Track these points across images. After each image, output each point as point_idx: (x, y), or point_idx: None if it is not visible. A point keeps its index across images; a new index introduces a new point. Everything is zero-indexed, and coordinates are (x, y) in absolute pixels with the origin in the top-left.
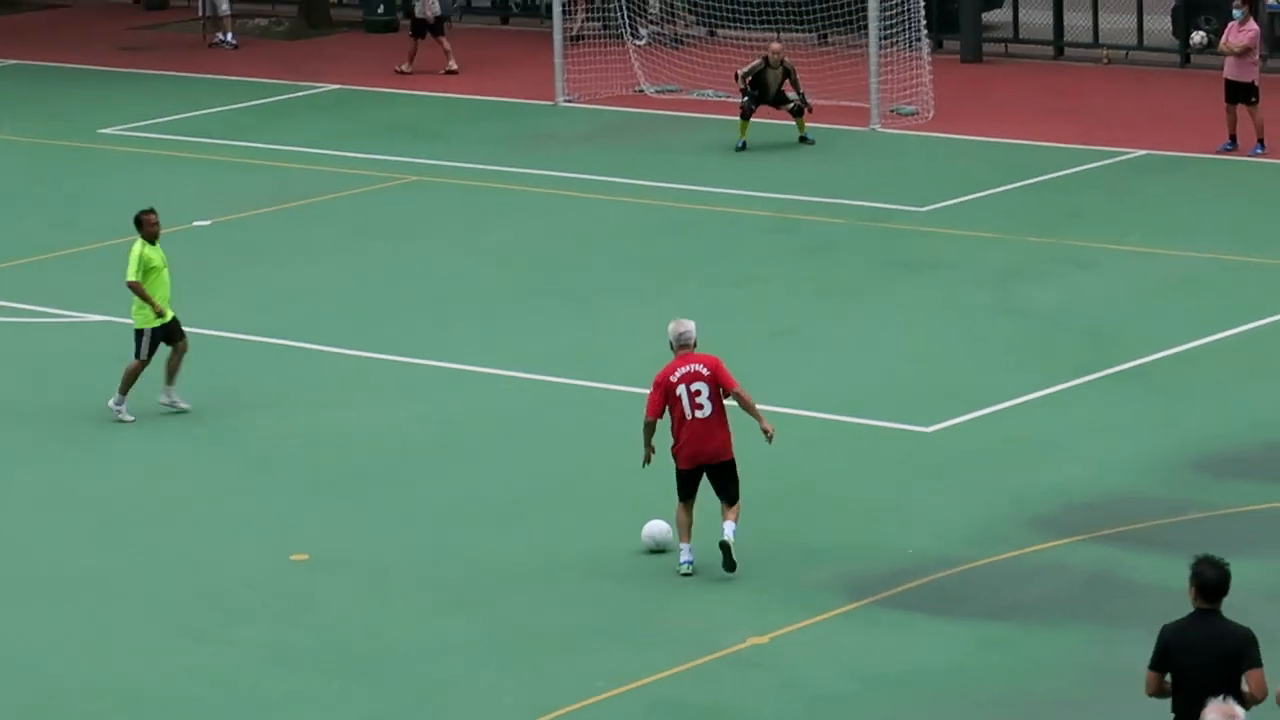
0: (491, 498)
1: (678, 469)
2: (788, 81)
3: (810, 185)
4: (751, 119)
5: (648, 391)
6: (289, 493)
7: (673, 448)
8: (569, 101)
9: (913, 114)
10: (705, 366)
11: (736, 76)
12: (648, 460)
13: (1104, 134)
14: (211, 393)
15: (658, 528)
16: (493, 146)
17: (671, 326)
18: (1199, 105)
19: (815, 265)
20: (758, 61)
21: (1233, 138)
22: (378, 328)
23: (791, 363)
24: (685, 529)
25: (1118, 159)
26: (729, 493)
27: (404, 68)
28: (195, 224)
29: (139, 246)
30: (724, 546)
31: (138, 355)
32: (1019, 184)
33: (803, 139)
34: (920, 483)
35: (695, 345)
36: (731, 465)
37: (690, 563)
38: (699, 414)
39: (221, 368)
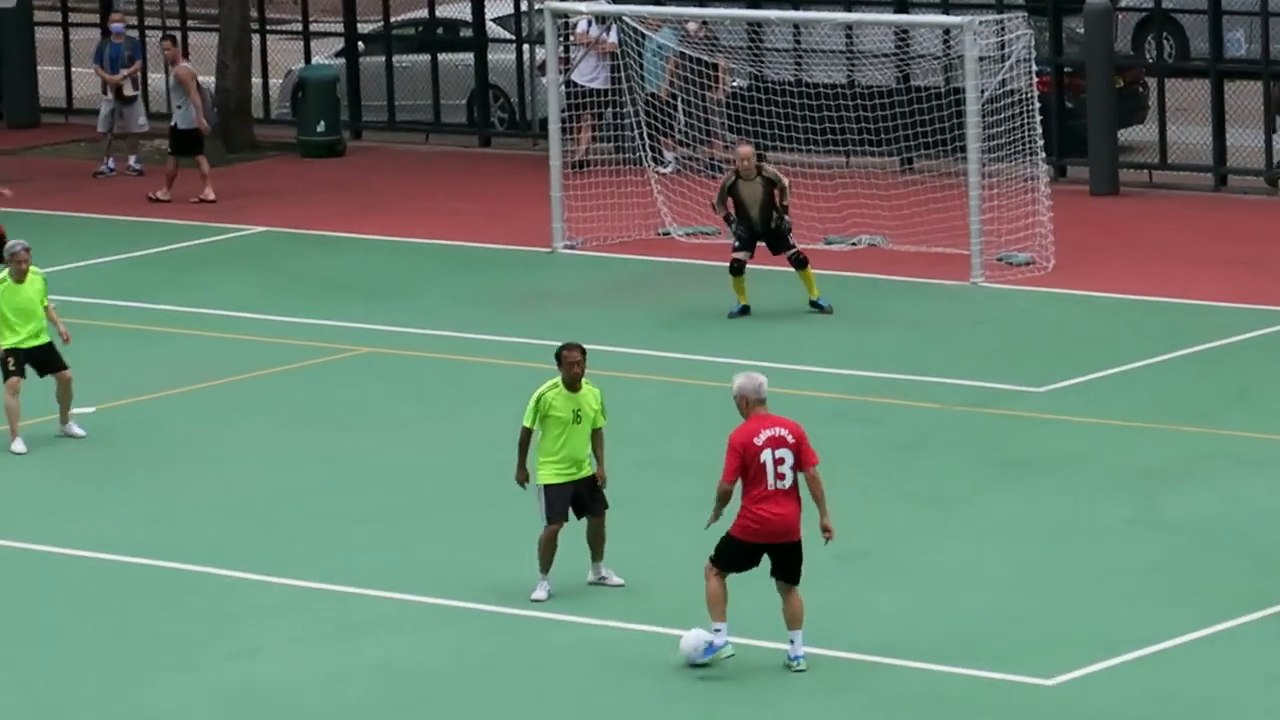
0: None
1: (732, 541)
2: (777, 195)
3: (891, 359)
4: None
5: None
6: None
7: (737, 520)
8: (570, 248)
9: (1027, 264)
10: (791, 434)
11: (714, 208)
12: (714, 521)
13: (1278, 289)
14: (92, 638)
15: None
16: (469, 308)
17: (741, 381)
18: None
19: (897, 465)
20: (727, 174)
21: None
22: (315, 548)
23: (864, 595)
24: (721, 605)
25: None
26: (795, 574)
27: (161, 195)
28: (74, 412)
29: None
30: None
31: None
32: (1167, 356)
33: (814, 304)
34: None
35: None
36: (798, 547)
37: (728, 644)
38: (781, 484)
39: (106, 604)
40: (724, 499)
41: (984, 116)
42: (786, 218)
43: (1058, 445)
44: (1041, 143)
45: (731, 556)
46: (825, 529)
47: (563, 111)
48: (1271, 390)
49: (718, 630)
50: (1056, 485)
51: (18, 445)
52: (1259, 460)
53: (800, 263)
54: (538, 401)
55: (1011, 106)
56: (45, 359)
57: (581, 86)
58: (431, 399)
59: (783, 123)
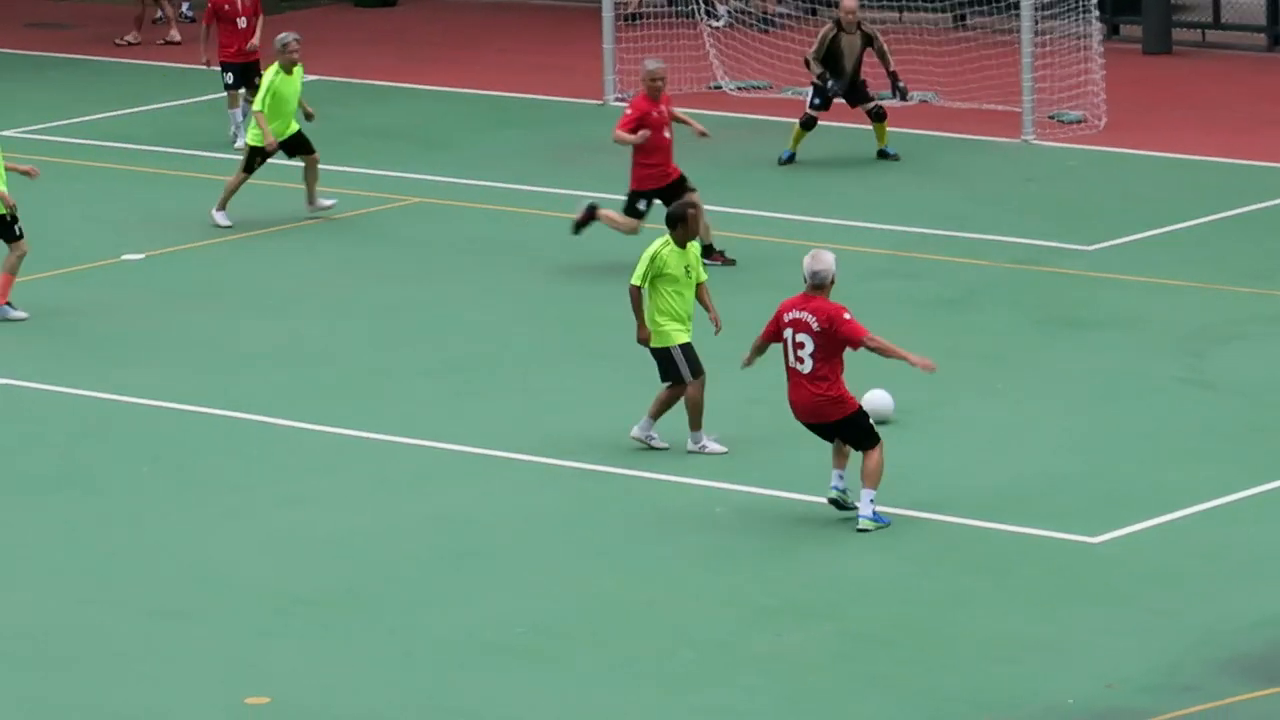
0: (512, 632)
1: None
2: (870, 54)
3: (941, 215)
4: (818, 124)
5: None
6: (247, 618)
7: None
8: (622, 101)
9: (1079, 121)
10: (818, 321)
11: (806, 63)
12: (748, 364)
13: None
14: (145, 483)
15: (880, 400)
16: (520, 160)
17: (806, 261)
18: None
19: (947, 322)
20: (828, 27)
21: None
22: (365, 398)
23: (915, 452)
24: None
25: None
26: (856, 443)
27: (131, 38)
28: (124, 258)
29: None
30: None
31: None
32: (1219, 216)
33: (882, 153)
34: (1083, 610)
35: (830, 288)
36: (847, 424)
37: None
38: (799, 367)
39: (158, 449)
40: (756, 350)
41: None
42: (901, 83)
43: (1107, 304)
44: (1095, 0)
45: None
46: (920, 364)
47: None
48: None
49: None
50: (1106, 345)
51: (221, 218)
52: None
53: (879, 115)
54: (652, 259)
55: None
56: (296, 143)
57: None
58: (482, 250)
59: None
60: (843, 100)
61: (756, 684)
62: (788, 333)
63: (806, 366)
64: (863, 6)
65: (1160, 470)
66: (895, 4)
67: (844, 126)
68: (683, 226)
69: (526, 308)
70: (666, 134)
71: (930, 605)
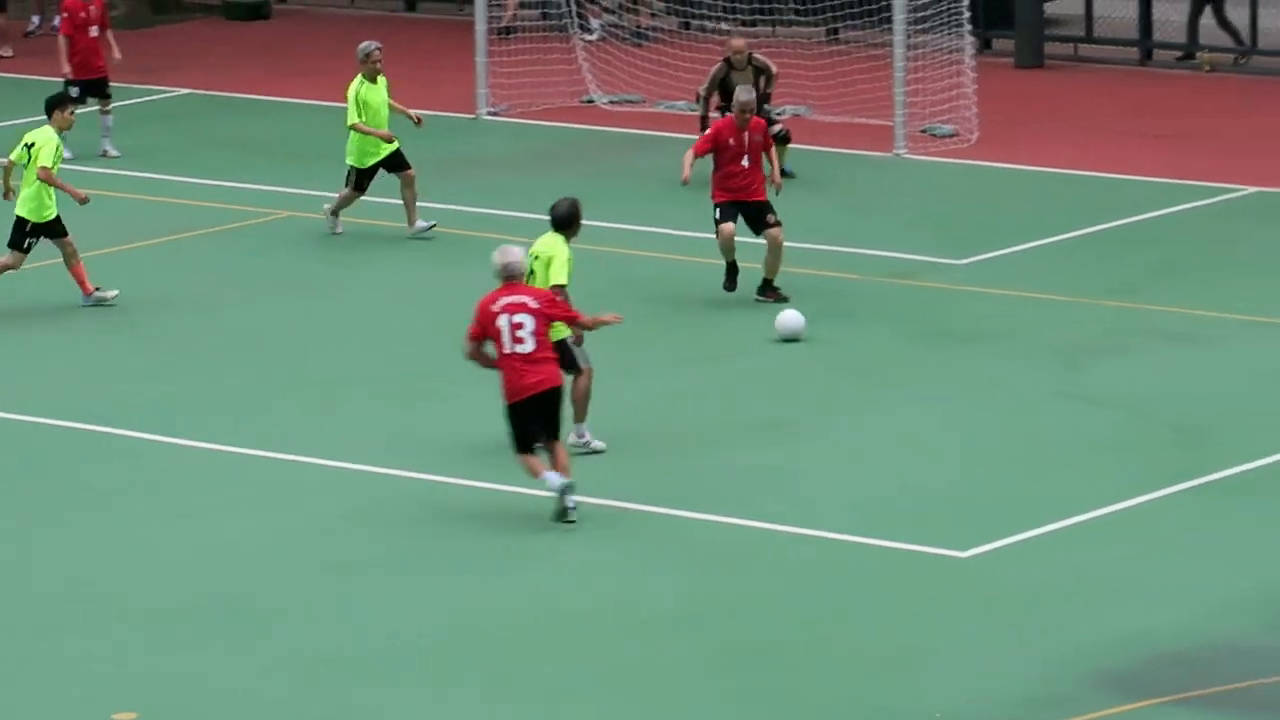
0: (384, 643)
1: (506, 408)
2: (763, 82)
3: (814, 229)
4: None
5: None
6: (118, 632)
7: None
8: (494, 114)
9: (951, 135)
10: (535, 299)
11: (697, 99)
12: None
13: (1204, 164)
14: (18, 498)
15: (792, 319)
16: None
17: (496, 256)
18: None
19: (822, 336)
20: (717, 66)
21: None
22: (236, 413)
23: (787, 465)
24: (537, 470)
25: (1223, 198)
26: (552, 427)
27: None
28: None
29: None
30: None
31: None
32: (1091, 229)
33: (784, 171)
34: (954, 624)
35: (521, 278)
36: (558, 394)
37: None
38: (520, 349)
39: (30, 466)
40: (474, 355)
41: None
42: (766, 105)
43: (980, 318)
44: (968, 14)
45: (512, 427)
46: (604, 322)
47: None
48: (1195, 264)
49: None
50: (979, 357)
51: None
52: (1182, 334)
53: (783, 139)
54: (569, 259)
55: None
56: (394, 159)
57: None
58: (352, 265)
59: None
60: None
61: (630, 698)
62: (503, 320)
63: (529, 346)
64: (734, 20)
65: (1031, 484)
66: (768, 18)
67: None
68: (578, 225)
69: (400, 320)
70: (744, 162)
71: (802, 618)
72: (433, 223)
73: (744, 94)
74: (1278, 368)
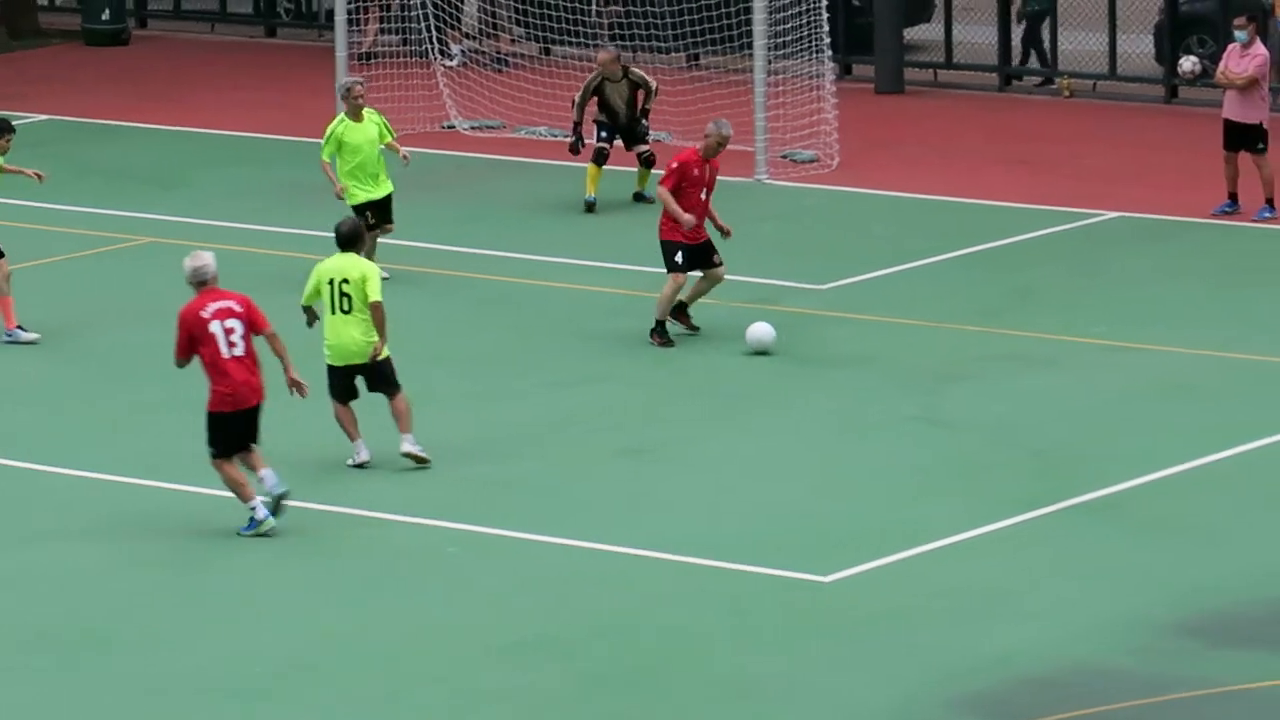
0: (242, 668)
1: (213, 416)
2: (642, 96)
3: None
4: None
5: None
6: None
7: (210, 397)
8: None
9: (812, 161)
10: (238, 303)
11: (574, 105)
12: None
13: (1064, 189)
14: None
15: (762, 331)
16: (252, 199)
17: (188, 262)
18: (1189, 153)
19: (684, 361)
20: (593, 75)
21: (1233, 196)
22: (92, 439)
23: (647, 490)
24: (244, 486)
25: (1082, 223)
26: (255, 433)
27: None
28: None
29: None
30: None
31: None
32: (951, 255)
33: (639, 196)
34: (818, 648)
35: (214, 281)
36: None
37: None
38: (235, 351)
39: None
40: (180, 357)
41: (771, 13)
42: (645, 122)
43: (841, 343)
44: (828, 40)
45: (216, 434)
46: (294, 383)
47: (349, 3)
48: (1054, 290)
49: (252, 507)
50: (840, 382)
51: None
52: (1041, 360)
53: (648, 162)
54: (378, 274)
55: (798, 4)
56: (381, 209)
57: None
58: None
59: (569, 17)
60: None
61: None
62: (215, 326)
63: (241, 349)
64: (594, 46)
65: (893, 508)
66: (629, 44)
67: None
68: (362, 244)
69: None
70: (703, 195)
71: (666, 643)
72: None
73: (728, 128)
74: (1137, 391)
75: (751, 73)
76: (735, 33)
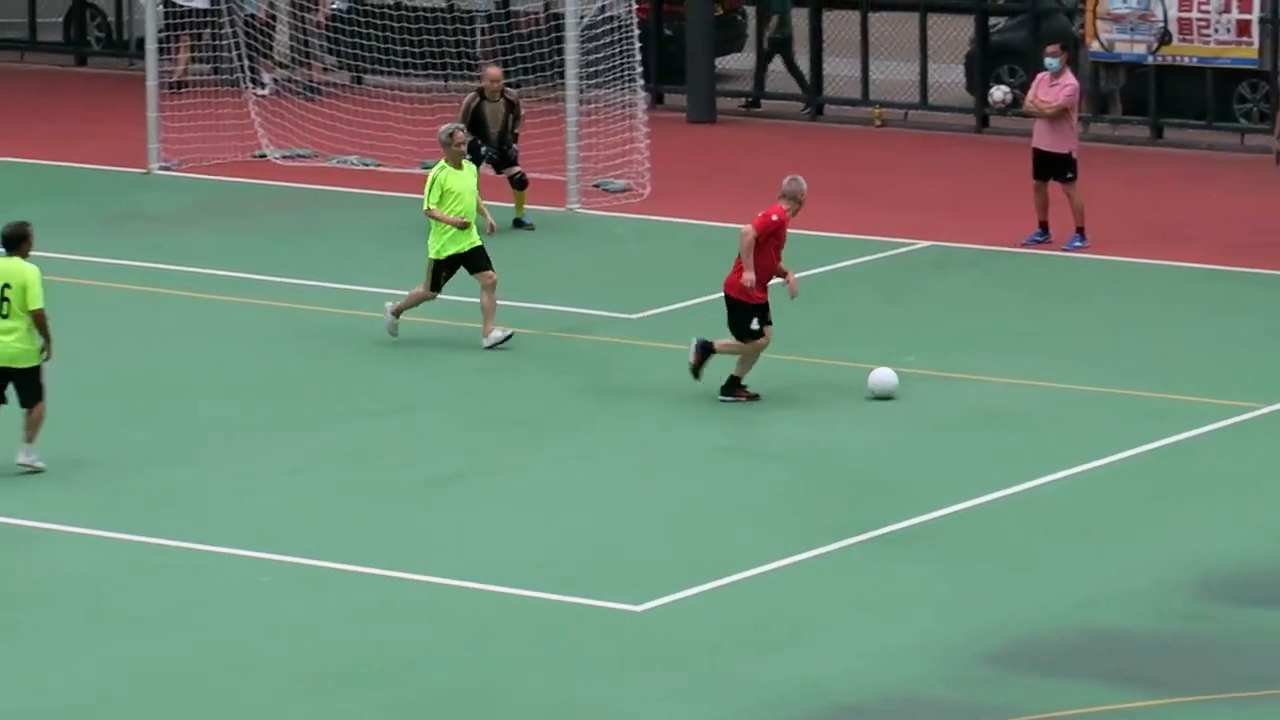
0: (47, 703)
1: None
2: (513, 122)
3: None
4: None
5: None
6: None
7: None
8: (166, 169)
9: (624, 190)
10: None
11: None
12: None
13: (876, 218)
14: None
15: (885, 376)
16: (64, 229)
17: None
18: (1000, 182)
19: (492, 390)
20: (470, 96)
21: (1044, 225)
22: None
23: (457, 519)
24: None
25: (894, 252)
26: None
27: None
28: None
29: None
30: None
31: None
32: None
33: (518, 222)
34: (631, 677)
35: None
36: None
37: None
38: None
39: None
40: None
41: (583, 42)
42: (515, 146)
43: (651, 372)
44: (640, 70)
45: None
46: None
47: (160, 31)
48: (867, 319)
49: None
50: (651, 412)
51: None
52: (855, 388)
53: (521, 183)
54: None
55: (611, 33)
56: (474, 258)
57: (180, 6)
58: None
59: (382, 46)
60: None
61: None
62: None
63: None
64: (407, 75)
65: (705, 537)
66: (440, 73)
67: (405, 197)
68: (28, 246)
69: (61, 372)
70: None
71: (478, 672)
72: (510, 332)
73: (801, 183)
74: (949, 421)
75: (564, 102)
76: (547, 62)
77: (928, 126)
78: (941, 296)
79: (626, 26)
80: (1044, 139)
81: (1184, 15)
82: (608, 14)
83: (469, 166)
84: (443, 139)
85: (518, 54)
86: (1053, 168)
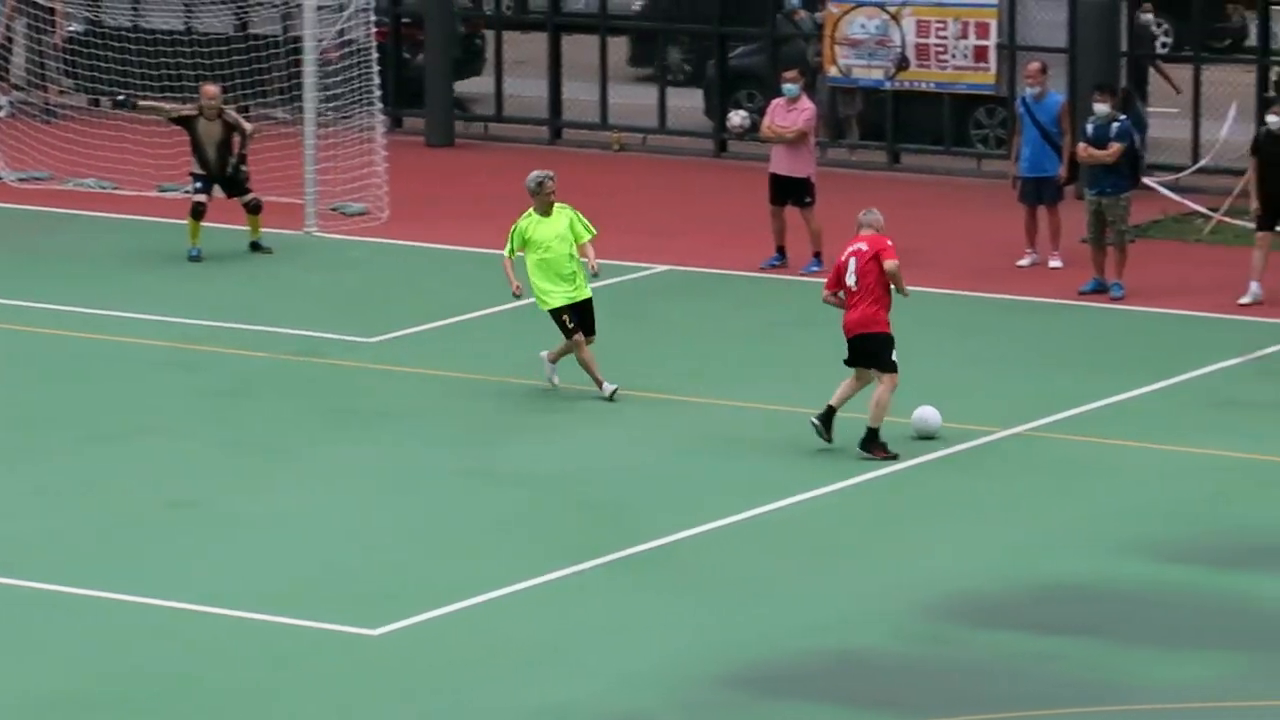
0: None
1: None
2: (237, 141)
3: (222, 307)
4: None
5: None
6: None
7: None
8: None
9: (361, 214)
10: None
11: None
12: None
13: (614, 242)
14: None
15: (929, 414)
16: None
17: None
18: (738, 206)
19: (228, 414)
20: (188, 109)
21: (781, 250)
22: None
23: (193, 543)
24: None
25: (632, 276)
26: None
27: None
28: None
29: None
30: None
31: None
32: (499, 308)
33: (255, 245)
34: (366, 704)
35: None
36: None
37: None
38: None
39: None
40: None
41: (321, 66)
42: (244, 167)
43: (390, 396)
44: (378, 93)
45: None
46: None
47: None
48: (604, 343)
49: None
50: (389, 436)
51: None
52: (595, 412)
53: (255, 208)
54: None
55: (349, 57)
56: (584, 312)
57: None
58: None
59: (119, 69)
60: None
61: None
62: None
63: None
64: (144, 97)
65: (443, 562)
66: (178, 95)
67: (142, 220)
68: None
69: None
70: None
71: (215, 699)
72: (615, 386)
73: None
74: (687, 445)
75: (302, 125)
76: (286, 85)
77: (666, 151)
78: (679, 320)
79: (365, 50)
80: (782, 164)
81: (922, 41)
82: (346, 37)
83: (559, 213)
84: (531, 188)
85: (256, 77)
86: (790, 192)
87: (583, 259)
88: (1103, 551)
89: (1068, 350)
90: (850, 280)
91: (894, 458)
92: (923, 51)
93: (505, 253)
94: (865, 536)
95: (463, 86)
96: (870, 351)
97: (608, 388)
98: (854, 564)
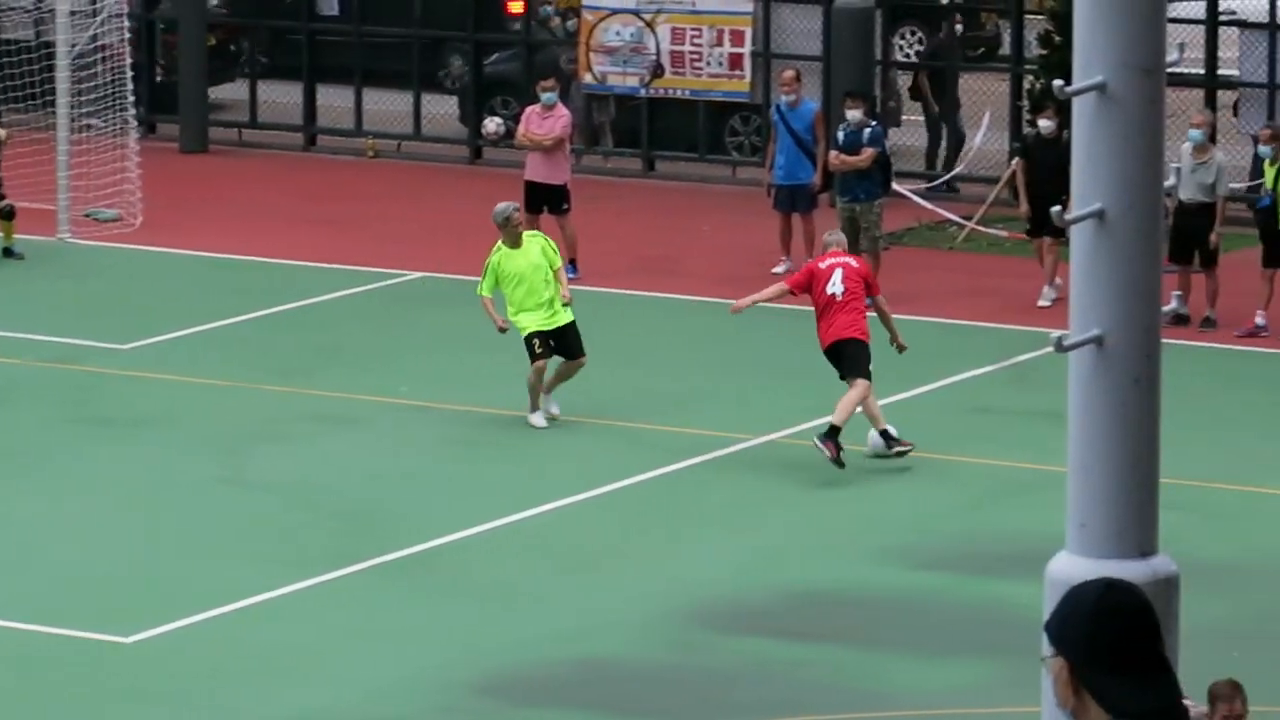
0: None
1: None
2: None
3: None
4: None
5: None
6: None
7: None
8: None
9: (115, 220)
10: None
11: None
12: None
13: (369, 249)
14: None
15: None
16: None
17: None
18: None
19: None
20: None
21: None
22: None
23: None
24: None
25: (388, 283)
26: None
27: None
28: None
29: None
30: None
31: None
32: (255, 314)
33: (8, 251)
34: (113, 710)
35: None
36: None
37: None
38: None
39: None
40: None
41: (75, 71)
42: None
43: (144, 403)
44: (132, 98)
45: None
46: None
47: None
48: (359, 350)
49: None
50: (140, 443)
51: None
52: (347, 419)
53: (8, 214)
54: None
55: (103, 62)
56: (566, 339)
57: None
58: None
59: None
60: None
61: None
62: None
63: None
64: None
65: (195, 569)
66: None
67: None
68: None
69: None
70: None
71: None
72: (547, 419)
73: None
74: (442, 452)
75: (54, 129)
76: (38, 90)
77: (421, 157)
78: (433, 328)
79: (119, 55)
80: (538, 171)
81: (676, 48)
82: (100, 42)
83: (530, 241)
84: (498, 221)
85: (8, 82)
86: (547, 199)
87: (559, 282)
88: (855, 558)
89: (819, 357)
90: (836, 289)
91: (840, 465)
92: (678, 59)
93: (482, 291)
94: (620, 543)
95: (217, 92)
96: (851, 355)
97: (535, 418)
98: (608, 570)
